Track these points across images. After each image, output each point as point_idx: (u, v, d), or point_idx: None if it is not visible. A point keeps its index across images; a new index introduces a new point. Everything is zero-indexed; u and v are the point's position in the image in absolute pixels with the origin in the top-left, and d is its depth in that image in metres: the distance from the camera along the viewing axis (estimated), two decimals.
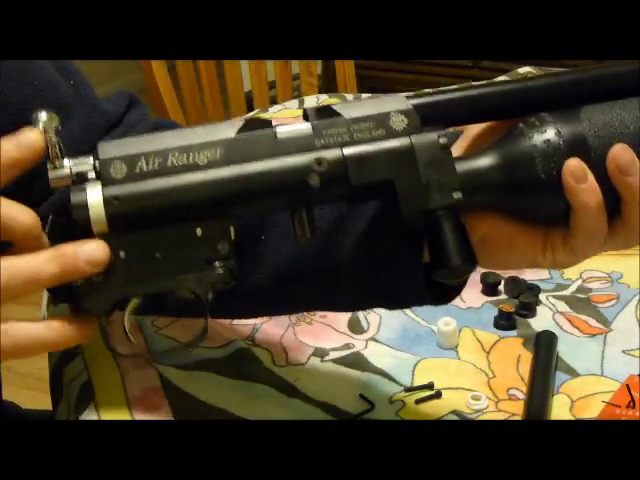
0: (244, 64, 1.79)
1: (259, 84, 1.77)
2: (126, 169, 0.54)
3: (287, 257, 0.66)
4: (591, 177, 0.55)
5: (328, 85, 2.65)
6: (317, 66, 1.99)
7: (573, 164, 0.55)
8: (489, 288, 0.90)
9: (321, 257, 0.65)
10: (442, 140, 0.55)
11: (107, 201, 0.53)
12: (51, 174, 0.54)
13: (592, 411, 0.73)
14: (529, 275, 0.92)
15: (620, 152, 0.55)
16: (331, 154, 0.54)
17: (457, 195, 0.55)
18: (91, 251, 0.52)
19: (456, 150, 0.60)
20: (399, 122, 0.55)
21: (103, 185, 0.53)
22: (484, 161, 0.57)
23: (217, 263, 0.55)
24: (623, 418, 0.70)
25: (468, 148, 0.61)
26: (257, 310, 0.74)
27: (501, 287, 0.90)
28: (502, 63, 2.32)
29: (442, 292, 0.64)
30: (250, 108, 1.67)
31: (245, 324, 0.85)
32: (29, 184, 0.66)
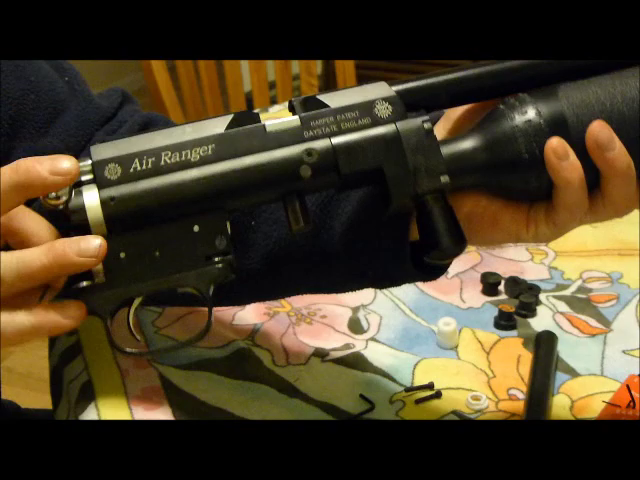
0: (244, 64, 1.79)
1: (259, 84, 1.77)
2: (120, 170, 0.54)
3: (277, 241, 0.67)
4: (572, 154, 0.57)
5: (328, 85, 2.65)
6: (317, 66, 1.99)
7: (554, 142, 0.57)
8: (489, 288, 0.90)
9: (311, 240, 0.66)
10: (426, 125, 0.57)
11: (104, 203, 0.54)
12: None
13: (592, 411, 0.73)
14: (529, 275, 0.92)
15: (598, 128, 0.57)
16: (320, 145, 0.55)
17: (444, 178, 0.57)
18: (83, 243, 0.53)
19: (439, 132, 0.62)
20: (384, 110, 0.56)
21: (99, 187, 0.54)
22: (468, 143, 0.58)
23: (216, 258, 0.56)
24: (623, 418, 0.69)
25: (451, 130, 0.63)
26: (250, 295, 0.75)
27: (501, 287, 0.90)
28: None
29: (430, 269, 0.66)
30: (250, 108, 1.66)
31: (245, 324, 0.85)
32: None
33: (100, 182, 0.54)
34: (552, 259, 0.95)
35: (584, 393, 0.75)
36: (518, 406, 0.74)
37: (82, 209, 0.54)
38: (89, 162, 0.55)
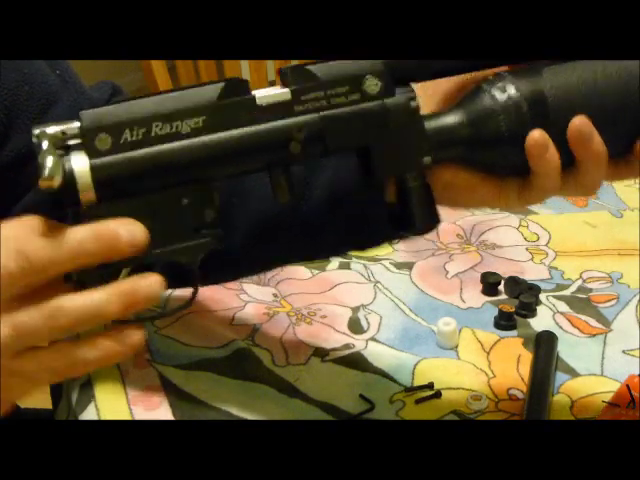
0: (244, 64, 1.78)
1: (259, 84, 1.77)
2: (111, 141, 0.54)
3: (260, 216, 0.69)
4: (552, 148, 0.59)
5: None
6: None
7: (536, 136, 0.59)
8: (489, 288, 0.90)
9: (292, 212, 0.68)
10: (413, 104, 0.58)
11: (94, 172, 0.53)
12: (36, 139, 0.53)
13: (592, 411, 0.73)
14: (529, 275, 0.92)
15: (579, 123, 0.59)
16: (310, 121, 0.57)
17: (427, 160, 0.59)
18: (149, 287, 0.53)
19: (426, 105, 0.63)
20: (373, 86, 0.58)
21: (89, 157, 0.54)
22: (451, 119, 0.60)
23: (204, 231, 0.57)
24: (623, 418, 0.70)
25: (439, 103, 0.65)
26: (235, 272, 0.77)
27: (501, 287, 0.90)
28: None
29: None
30: None
31: (245, 324, 0.85)
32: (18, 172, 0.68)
33: (90, 152, 0.54)
34: (552, 259, 0.95)
35: (584, 393, 0.75)
36: (518, 406, 0.74)
37: (71, 175, 0.53)
38: (77, 125, 0.54)
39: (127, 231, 0.53)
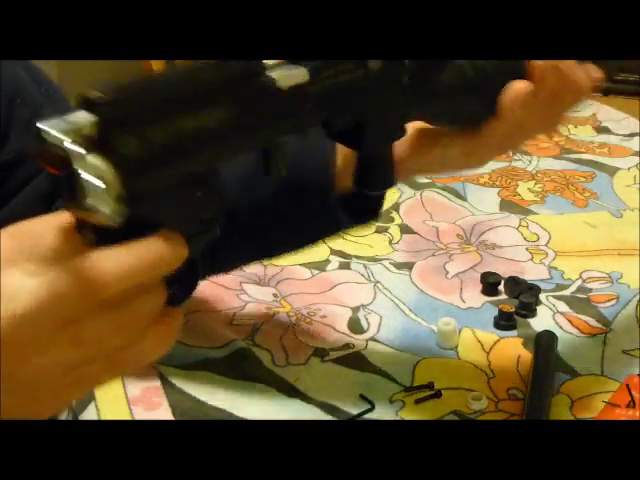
0: None
1: None
2: (136, 143, 0.49)
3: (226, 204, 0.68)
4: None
5: None
6: None
7: (520, 86, 0.63)
8: (489, 288, 0.90)
9: (248, 200, 0.69)
10: (405, 78, 0.61)
11: (121, 180, 0.48)
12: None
13: (592, 411, 0.73)
14: (529, 275, 0.92)
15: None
16: (321, 103, 0.57)
17: (402, 131, 0.63)
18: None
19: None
20: (376, 63, 0.59)
21: (114, 164, 0.48)
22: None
23: (210, 220, 0.55)
24: (623, 418, 0.70)
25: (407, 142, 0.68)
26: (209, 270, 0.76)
27: (501, 287, 0.90)
28: None
29: (361, 214, 0.70)
30: None
31: (245, 324, 0.85)
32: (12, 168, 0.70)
33: (114, 159, 0.48)
34: (552, 259, 0.95)
35: (584, 393, 0.75)
36: (518, 406, 0.74)
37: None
38: (84, 117, 0.48)
39: (175, 248, 0.50)
